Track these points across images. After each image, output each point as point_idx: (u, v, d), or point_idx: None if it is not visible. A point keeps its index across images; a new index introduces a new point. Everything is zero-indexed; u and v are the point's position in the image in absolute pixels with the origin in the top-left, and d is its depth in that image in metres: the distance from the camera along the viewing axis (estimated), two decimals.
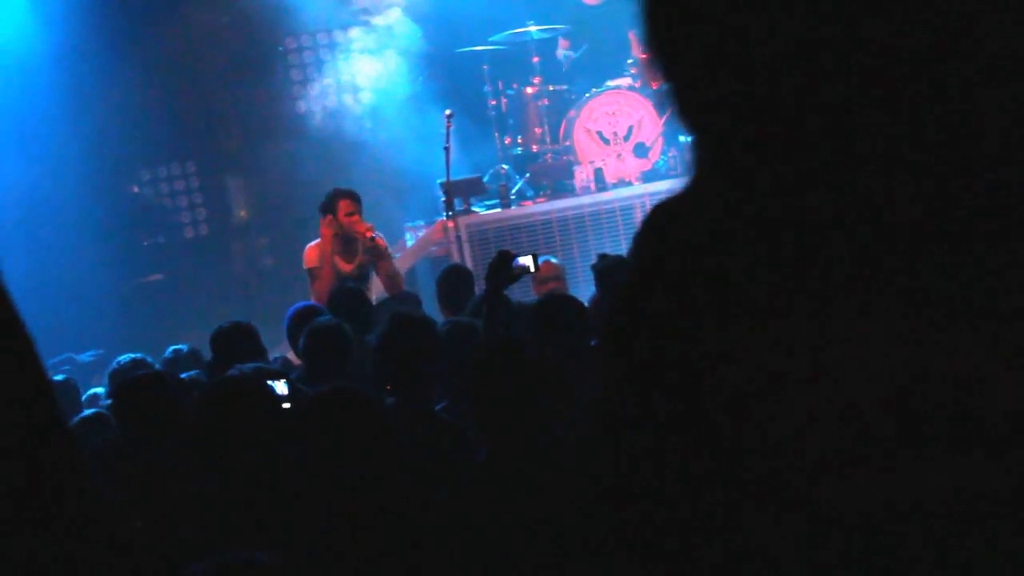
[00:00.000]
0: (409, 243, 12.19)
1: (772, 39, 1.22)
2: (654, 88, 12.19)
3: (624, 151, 12.26)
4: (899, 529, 1.18)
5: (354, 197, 9.54)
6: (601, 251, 8.68)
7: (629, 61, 12.49)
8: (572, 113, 12.37)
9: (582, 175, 12.10)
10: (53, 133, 12.49)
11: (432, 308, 8.32)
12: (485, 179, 12.18)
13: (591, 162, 12.16)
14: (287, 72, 14.05)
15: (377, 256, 9.40)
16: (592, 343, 5.70)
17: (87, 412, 6.04)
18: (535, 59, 12.62)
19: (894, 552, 1.18)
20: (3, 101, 12.15)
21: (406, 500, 3.62)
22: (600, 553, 1.42)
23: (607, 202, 11.71)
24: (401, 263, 10.98)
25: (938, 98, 1.19)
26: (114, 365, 7.19)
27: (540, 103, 12.51)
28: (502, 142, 12.73)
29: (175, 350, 7.72)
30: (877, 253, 1.19)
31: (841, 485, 1.18)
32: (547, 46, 12.83)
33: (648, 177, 11.98)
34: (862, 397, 1.17)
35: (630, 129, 12.25)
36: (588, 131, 12.32)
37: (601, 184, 11.95)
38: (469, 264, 10.65)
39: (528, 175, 12.48)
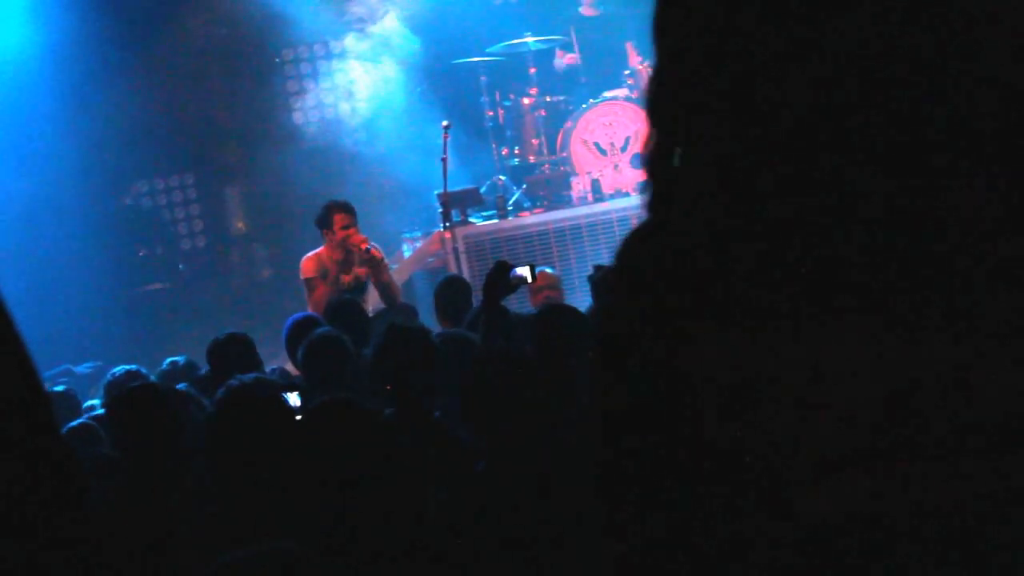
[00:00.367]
0: (406, 254, 12.18)
1: (770, 42, 1.22)
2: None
3: (621, 162, 12.27)
4: (893, 531, 1.17)
5: (349, 210, 9.52)
6: (598, 262, 8.69)
7: (626, 72, 12.50)
8: (569, 124, 12.38)
9: (579, 186, 12.10)
10: (50, 144, 12.48)
11: (429, 319, 8.31)
12: (482, 190, 12.19)
13: (588, 173, 12.17)
14: (284, 83, 14.05)
15: (373, 268, 9.38)
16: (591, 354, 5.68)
17: (74, 423, 6.01)
18: (532, 70, 12.63)
19: (888, 555, 1.18)
20: (1, 111, 12.14)
21: (404, 510, 3.61)
22: (599, 560, 1.42)
23: (604, 213, 11.71)
24: (398, 274, 10.97)
25: (937, 100, 1.19)
26: (109, 377, 7.18)
27: (537, 114, 12.51)
28: (499, 153, 12.73)
29: (171, 362, 7.70)
30: (874, 257, 1.19)
31: (836, 488, 1.18)
32: (544, 57, 12.83)
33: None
34: (858, 400, 1.17)
35: (627, 140, 12.26)
36: (585, 142, 12.32)
37: (598, 195, 11.95)
38: (466, 275, 10.64)
39: (525, 186, 12.49)
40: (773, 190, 1.22)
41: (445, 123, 11.19)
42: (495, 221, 11.84)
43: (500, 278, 6.23)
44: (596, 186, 11.99)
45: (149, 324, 12.57)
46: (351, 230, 9.41)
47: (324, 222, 9.50)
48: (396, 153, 12.65)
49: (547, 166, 12.51)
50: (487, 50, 12.60)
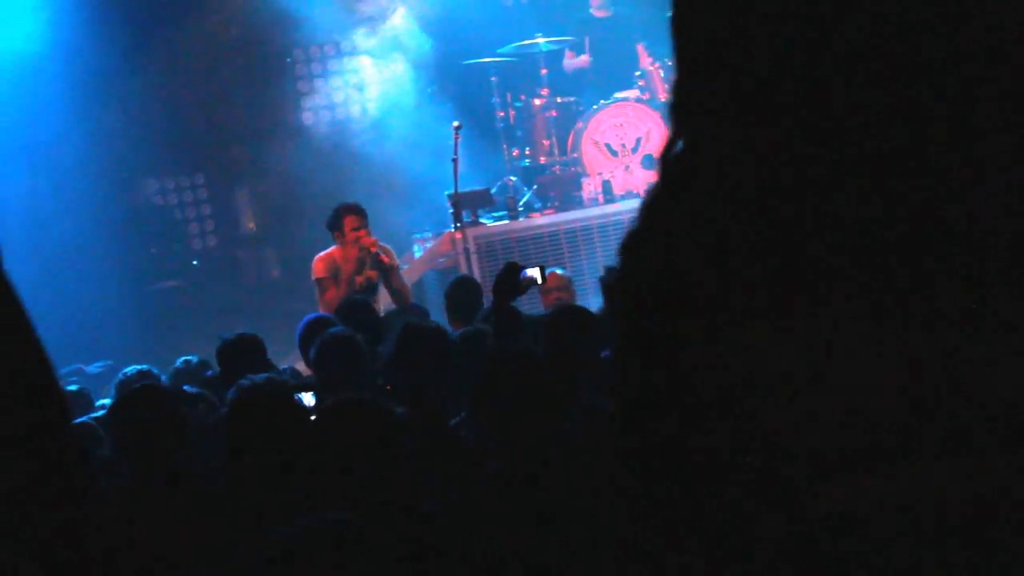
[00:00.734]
0: (417, 255, 12.19)
1: (776, 41, 1.23)
2: (662, 100, 12.22)
3: (632, 163, 12.27)
4: (900, 531, 1.18)
5: (360, 212, 9.53)
6: (609, 263, 8.68)
7: (637, 73, 12.50)
8: (580, 125, 12.38)
9: (590, 187, 12.11)
10: (60, 143, 12.51)
11: (440, 320, 8.32)
12: (493, 191, 12.20)
13: (599, 174, 12.17)
14: (295, 83, 14.07)
15: (384, 270, 9.39)
16: (603, 355, 5.69)
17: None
18: (543, 71, 12.64)
19: (893, 554, 1.18)
20: (11, 111, 12.17)
21: (415, 511, 3.62)
22: (609, 562, 1.42)
23: (615, 214, 11.70)
24: (409, 275, 10.98)
25: (941, 100, 1.20)
26: (120, 376, 7.19)
27: (548, 115, 12.51)
28: (510, 154, 12.73)
29: (185, 360, 7.72)
30: (879, 255, 1.19)
31: (842, 487, 1.18)
32: (555, 58, 12.84)
33: None
34: (864, 398, 1.17)
35: (638, 141, 12.26)
36: (596, 143, 12.32)
37: (609, 196, 11.95)
38: (477, 276, 10.65)
39: (536, 187, 12.49)
40: (777, 188, 1.23)
41: (456, 124, 11.20)
42: (506, 222, 11.84)
43: (510, 280, 6.23)
44: (607, 187, 12.00)
45: (162, 322, 12.59)
46: (361, 232, 9.42)
47: (334, 224, 9.50)
48: (406, 153, 12.66)
49: (558, 167, 12.51)
50: (498, 51, 12.60)
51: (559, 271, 8.84)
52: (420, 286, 11.66)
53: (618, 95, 12.38)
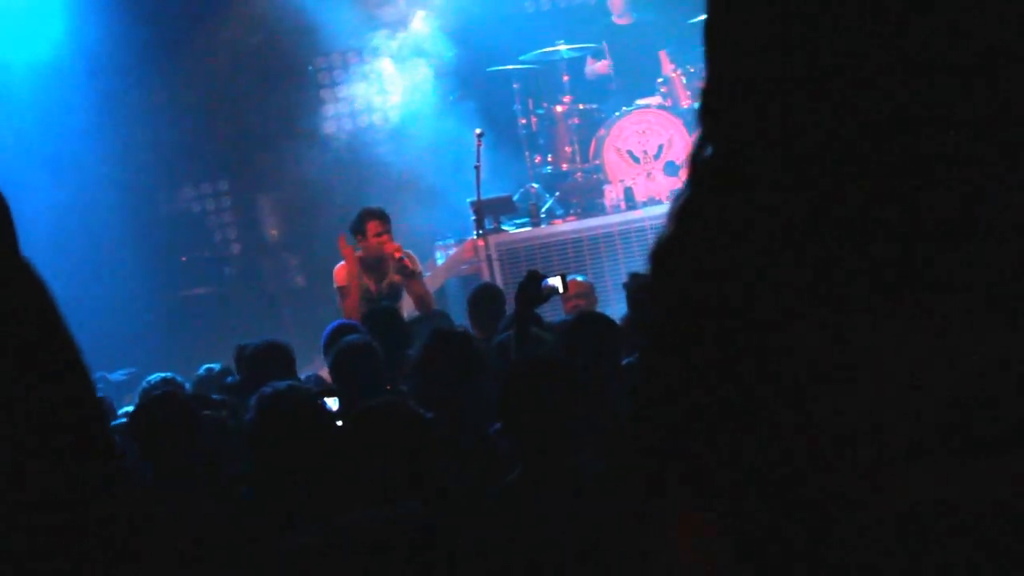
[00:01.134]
0: (439, 262, 12.20)
1: (813, 44, 1.23)
2: (684, 107, 12.21)
3: (654, 169, 12.26)
4: (960, 530, 1.17)
5: (383, 217, 9.56)
6: (631, 270, 8.68)
7: (659, 80, 12.50)
8: (602, 132, 12.37)
9: (612, 194, 12.10)
10: (85, 151, 12.56)
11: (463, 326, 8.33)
12: (515, 198, 12.20)
13: (621, 181, 12.16)
14: (317, 91, 14.11)
15: (407, 276, 9.41)
16: (624, 361, 5.69)
17: None
18: (565, 78, 12.64)
19: (975, 546, 1.17)
20: (37, 119, 12.24)
21: (442, 514, 3.63)
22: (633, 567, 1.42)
23: (637, 221, 11.70)
24: (431, 282, 11.00)
25: (973, 100, 1.20)
26: (144, 384, 7.22)
27: (570, 122, 12.52)
28: (532, 161, 12.74)
29: (207, 368, 7.75)
30: (930, 251, 1.19)
31: (923, 475, 1.18)
32: (577, 65, 12.84)
33: None
34: (926, 392, 1.17)
35: (660, 147, 12.25)
36: (618, 150, 12.32)
37: (631, 203, 11.95)
38: (499, 283, 10.66)
39: (558, 194, 12.49)
40: (821, 189, 1.23)
41: (478, 131, 11.22)
42: (528, 229, 11.85)
43: (531, 288, 6.24)
44: (629, 194, 11.99)
45: (188, 330, 12.63)
46: (384, 237, 9.44)
47: (357, 228, 9.53)
48: (428, 160, 12.68)
49: (580, 174, 12.51)
50: (520, 58, 12.62)
51: (580, 278, 8.84)
52: (442, 293, 11.67)
53: (640, 102, 12.38)
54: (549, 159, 12.68)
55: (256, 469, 4.25)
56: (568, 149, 12.53)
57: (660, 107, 12.31)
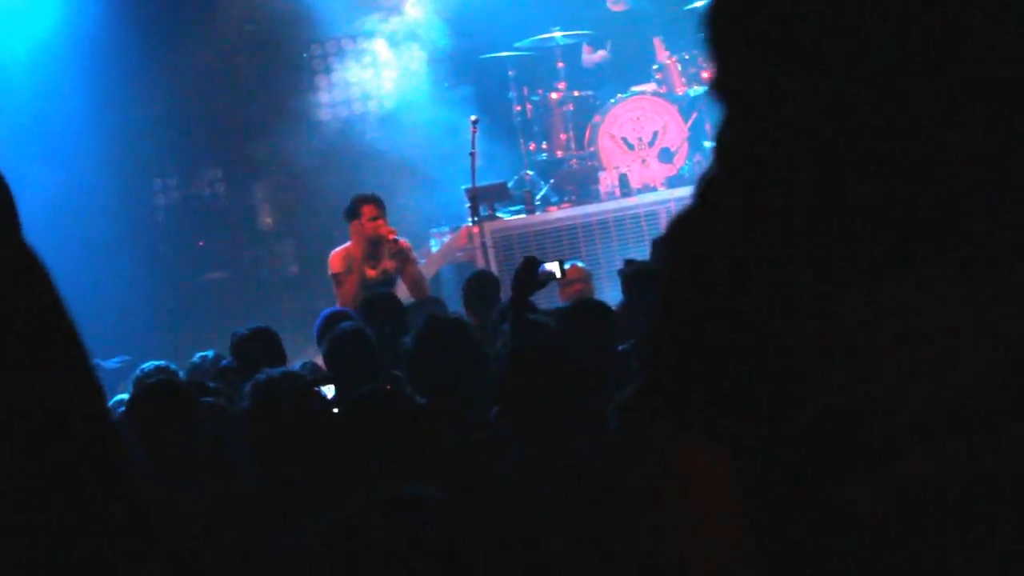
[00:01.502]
0: (434, 249, 12.20)
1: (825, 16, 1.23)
2: (678, 94, 12.20)
3: (649, 156, 12.26)
4: (996, 497, 1.17)
5: (378, 202, 9.55)
6: (626, 256, 8.67)
7: (654, 67, 12.48)
8: (597, 119, 12.37)
9: (607, 180, 12.10)
10: (79, 139, 12.54)
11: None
12: (510, 185, 12.19)
13: (616, 167, 12.16)
14: (312, 78, 14.08)
15: (403, 260, 9.41)
16: (621, 347, 5.69)
17: None
18: (560, 64, 12.62)
19: (989, 520, 1.17)
20: (33, 107, 12.21)
21: (436, 500, 3.63)
22: (630, 552, 1.42)
23: (632, 207, 11.71)
24: (426, 269, 10.99)
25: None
26: (138, 372, 7.22)
27: (565, 109, 12.51)
28: (527, 148, 12.73)
29: (201, 356, 7.74)
30: (959, 229, 1.19)
31: (940, 451, 1.17)
32: (572, 52, 12.83)
33: (673, 182, 11.98)
34: (964, 364, 1.17)
35: (655, 134, 12.24)
36: (613, 137, 12.32)
37: (626, 190, 11.95)
38: (494, 270, 10.65)
39: (553, 181, 12.49)
40: (849, 163, 1.23)
41: (473, 118, 11.21)
42: (523, 216, 11.85)
43: (528, 273, 6.23)
44: (624, 181, 11.99)
45: (180, 318, 12.63)
46: (379, 222, 9.43)
47: (352, 213, 9.51)
48: (423, 148, 12.66)
49: (575, 161, 12.50)
50: (515, 45, 12.60)
51: (579, 264, 8.84)
52: (437, 280, 11.67)
53: (635, 89, 12.37)
54: (544, 146, 12.68)
55: (253, 457, 4.25)
56: (563, 136, 12.52)
57: (655, 94, 12.30)
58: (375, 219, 9.43)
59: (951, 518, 1.19)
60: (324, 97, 14.02)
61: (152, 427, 4.70)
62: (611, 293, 9.43)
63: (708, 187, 1.37)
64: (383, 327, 6.57)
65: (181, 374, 7.29)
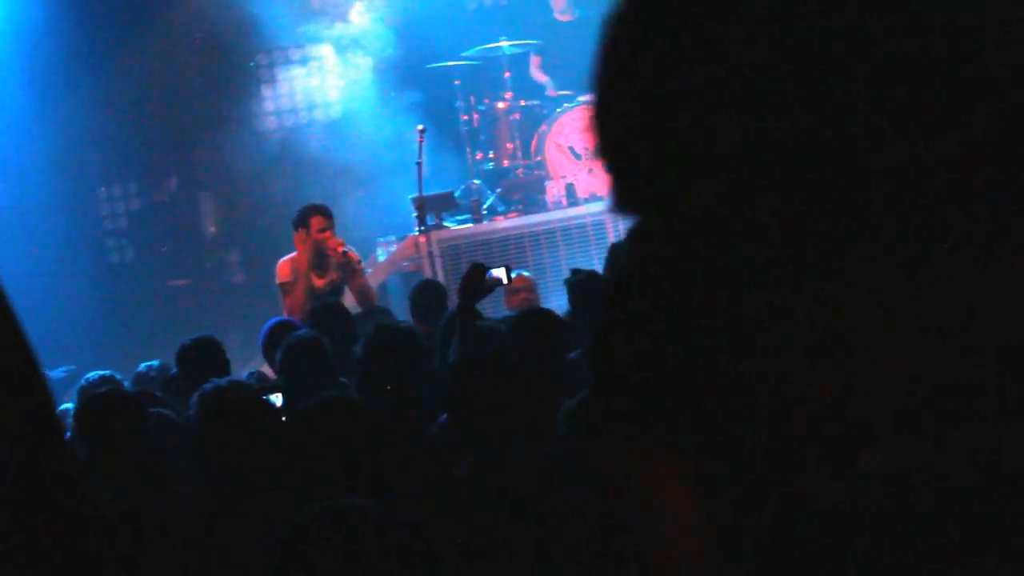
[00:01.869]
0: (381, 258, 12.16)
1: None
2: None
3: (596, 166, 12.27)
4: (957, 493, 1.17)
5: (326, 213, 9.53)
6: (573, 266, 8.70)
7: None
8: (544, 128, 12.39)
9: (554, 190, 12.11)
10: (21, 147, 12.43)
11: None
12: (457, 194, 12.19)
13: (563, 177, 12.18)
14: (259, 87, 14.01)
15: (349, 272, 9.39)
16: (570, 356, 5.71)
17: None
18: (507, 74, 12.63)
19: (950, 517, 1.18)
20: None
21: (390, 509, 3.63)
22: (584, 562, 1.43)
23: (579, 217, 11.73)
24: (373, 278, 10.97)
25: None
26: (83, 382, 7.17)
27: (512, 118, 12.52)
28: (474, 157, 12.73)
29: (147, 366, 7.70)
30: (924, 221, 1.20)
31: (900, 446, 1.18)
32: (519, 61, 12.84)
33: None
34: (926, 358, 1.17)
35: None
36: (560, 146, 12.34)
37: (572, 199, 11.97)
38: (441, 279, 10.64)
39: (500, 190, 12.49)
40: (804, 159, 1.24)
41: (420, 127, 11.20)
42: (470, 225, 11.85)
43: (476, 280, 6.23)
44: (571, 190, 12.00)
45: (124, 328, 12.53)
46: (327, 233, 9.41)
47: (300, 223, 9.48)
48: (370, 157, 12.63)
49: (521, 170, 12.52)
50: (462, 54, 12.61)
51: (525, 273, 8.85)
52: (384, 290, 11.64)
53: (582, 98, 12.39)
54: (491, 155, 12.68)
55: (200, 467, 4.22)
56: (510, 145, 12.54)
57: None
58: (324, 231, 9.41)
59: (914, 513, 1.20)
60: (270, 106, 13.96)
61: (100, 437, 4.66)
62: (557, 302, 9.44)
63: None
64: (331, 337, 6.55)
65: (126, 384, 7.25)
